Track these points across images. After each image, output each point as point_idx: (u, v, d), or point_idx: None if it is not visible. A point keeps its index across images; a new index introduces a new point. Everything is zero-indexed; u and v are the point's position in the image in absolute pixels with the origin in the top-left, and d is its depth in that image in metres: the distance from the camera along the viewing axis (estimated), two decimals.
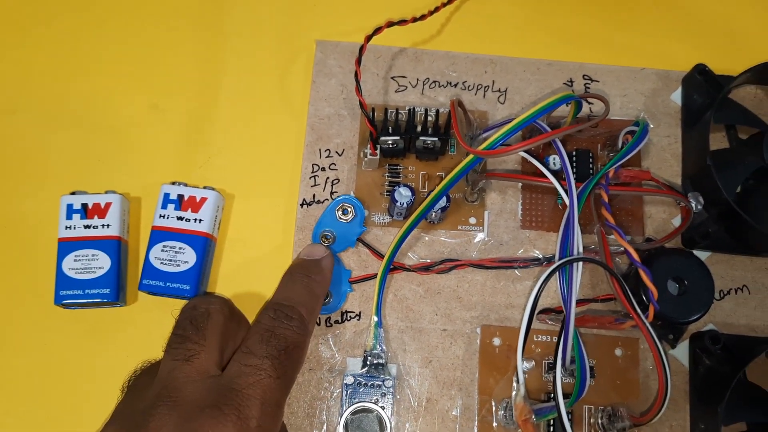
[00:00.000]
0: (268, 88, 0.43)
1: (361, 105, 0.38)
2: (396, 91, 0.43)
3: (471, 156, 0.36)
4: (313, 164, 0.41)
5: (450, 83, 0.43)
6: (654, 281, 0.35)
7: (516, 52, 0.44)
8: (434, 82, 0.43)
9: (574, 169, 0.40)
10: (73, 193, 0.38)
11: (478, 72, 0.43)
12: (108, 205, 0.38)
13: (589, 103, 0.42)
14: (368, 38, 0.39)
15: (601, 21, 0.45)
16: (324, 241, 0.39)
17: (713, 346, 0.37)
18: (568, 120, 0.39)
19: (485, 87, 0.43)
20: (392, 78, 0.43)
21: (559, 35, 0.45)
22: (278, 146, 0.42)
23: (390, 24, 0.40)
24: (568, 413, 0.33)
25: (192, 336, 0.31)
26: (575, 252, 0.36)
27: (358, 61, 0.38)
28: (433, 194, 0.37)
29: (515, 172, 0.41)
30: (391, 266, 0.38)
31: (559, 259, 0.36)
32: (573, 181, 0.37)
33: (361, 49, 0.38)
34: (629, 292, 0.35)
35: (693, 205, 0.38)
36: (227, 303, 0.34)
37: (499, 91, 0.43)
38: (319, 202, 0.40)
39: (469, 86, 0.43)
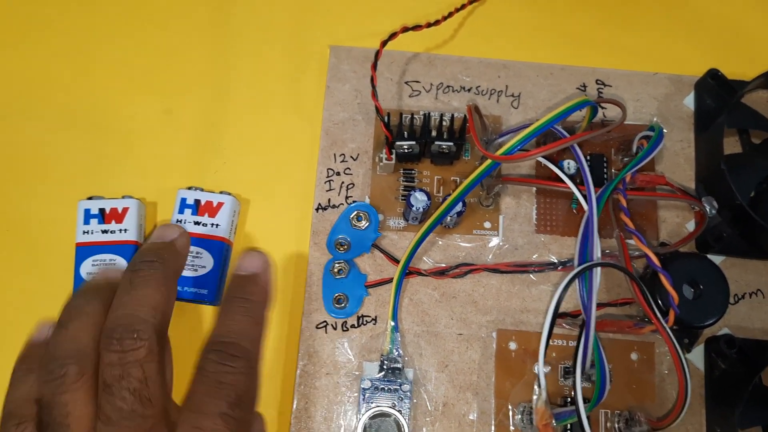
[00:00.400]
0: (281, 94, 0.43)
1: (377, 110, 0.38)
2: (410, 96, 0.43)
3: (488, 161, 0.36)
4: (327, 169, 0.41)
5: (463, 88, 0.43)
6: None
7: (529, 57, 0.44)
8: (448, 86, 0.43)
9: None
10: (90, 198, 0.38)
11: (492, 77, 0.44)
12: (125, 210, 0.38)
13: (603, 107, 0.43)
14: (384, 44, 0.39)
15: (614, 26, 0.46)
16: (339, 249, 0.39)
17: (729, 350, 0.37)
18: (583, 125, 0.39)
19: (498, 92, 0.43)
20: (406, 83, 0.43)
21: (572, 40, 0.45)
22: (293, 151, 0.42)
23: (405, 29, 0.40)
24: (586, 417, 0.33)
25: (139, 410, 0.26)
26: (594, 256, 0.36)
27: (374, 66, 0.38)
28: (450, 199, 0.37)
29: (530, 177, 0.41)
30: (407, 271, 0.38)
31: (579, 263, 0.36)
32: (592, 186, 0.37)
33: (377, 54, 0.38)
34: (649, 297, 0.35)
35: (707, 209, 0.38)
36: (154, 333, 0.27)
37: (512, 95, 0.43)
38: (334, 206, 0.40)
39: (483, 91, 0.43)
